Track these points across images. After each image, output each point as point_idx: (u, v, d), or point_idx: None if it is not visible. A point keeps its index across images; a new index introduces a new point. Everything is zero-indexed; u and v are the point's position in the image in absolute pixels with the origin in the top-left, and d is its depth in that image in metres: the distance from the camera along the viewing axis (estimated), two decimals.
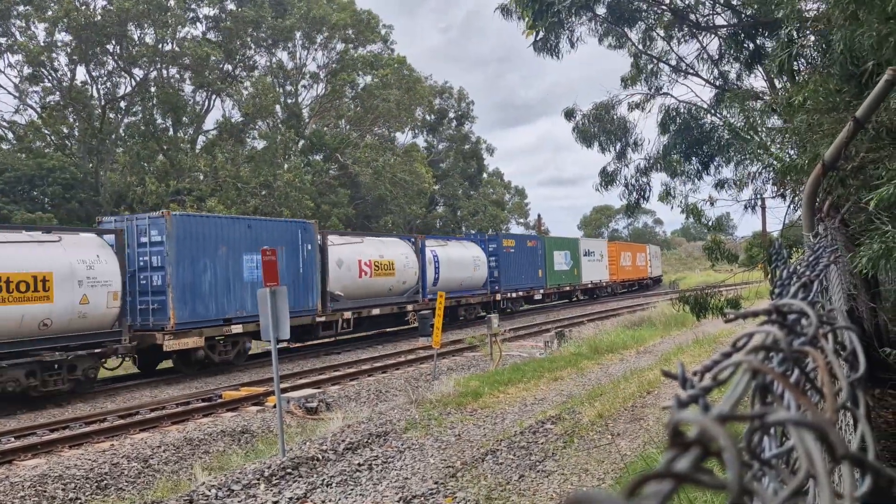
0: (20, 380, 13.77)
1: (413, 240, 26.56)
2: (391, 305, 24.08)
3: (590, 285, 41.93)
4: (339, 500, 8.17)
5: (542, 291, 35.67)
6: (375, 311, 23.55)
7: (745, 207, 12.59)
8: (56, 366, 14.42)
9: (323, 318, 21.29)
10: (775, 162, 8.11)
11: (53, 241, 14.83)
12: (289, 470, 9.13)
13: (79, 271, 14.87)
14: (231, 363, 18.69)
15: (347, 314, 22.38)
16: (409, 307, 25.09)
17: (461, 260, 28.84)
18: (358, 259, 22.79)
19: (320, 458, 9.65)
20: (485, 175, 64.10)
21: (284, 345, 21.25)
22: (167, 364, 18.51)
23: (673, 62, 12.99)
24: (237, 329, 18.31)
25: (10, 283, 13.54)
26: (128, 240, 16.87)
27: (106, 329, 15.58)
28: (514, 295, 33.09)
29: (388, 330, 25.44)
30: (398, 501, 7.91)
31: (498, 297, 31.43)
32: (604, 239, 52.35)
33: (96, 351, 15.31)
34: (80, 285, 14.83)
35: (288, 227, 20.87)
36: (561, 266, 37.73)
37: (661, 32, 12.66)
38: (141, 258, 17.01)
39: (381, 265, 23.67)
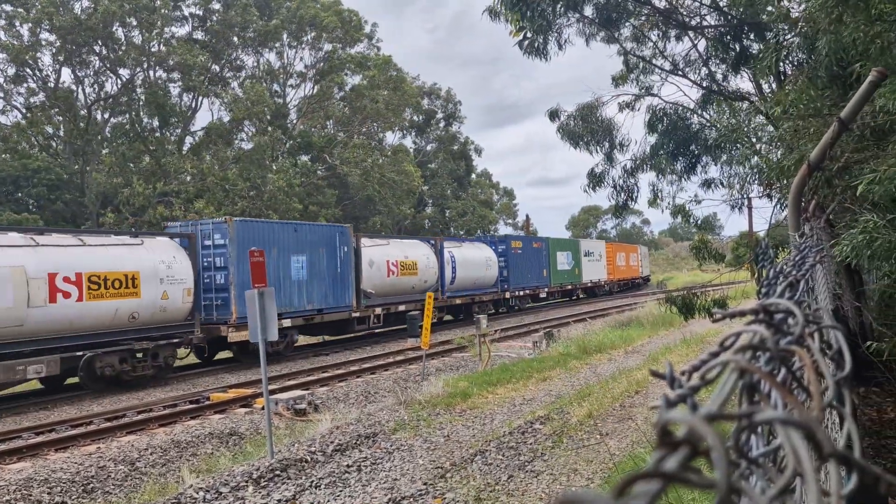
0: (115, 365, 15.83)
1: (433, 242, 28.41)
2: (415, 302, 25.53)
3: (589, 284, 43.63)
4: (328, 501, 8.15)
5: (546, 290, 37.55)
6: (402, 307, 25.39)
7: (732, 207, 12.66)
8: (142, 354, 16.45)
9: (357, 314, 23.37)
10: (763, 164, 8.17)
11: (138, 245, 16.80)
12: (277, 472, 9.10)
13: (160, 270, 16.78)
14: (280, 353, 20.44)
15: (378, 310, 24.29)
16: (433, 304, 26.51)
17: (475, 260, 30.66)
18: (386, 260, 24.82)
19: (309, 459, 9.63)
20: (473, 176, 64.13)
21: (323, 338, 24.16)
22: (226, 354, 20.42)
23: (660, 63, 13.05)
24: (287, 323, 19.94)
25: (106, 281, 15.53)
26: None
27: (181, 322, 17.52)
28: (521, 293, 34.91)
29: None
30: (387, 502, 7.90)
31: (507, 294, 33.29)
32: (602, 240, 54.37)
33: (174, 341, 17.35)
34: (161, 283, 16.76)
35: (327, 230, 22.95)
36: (563, 266, 39.55)
37: (649, 33, 12.72)
38: (205, 259, 18.79)
39: (406, 265, 25.74)
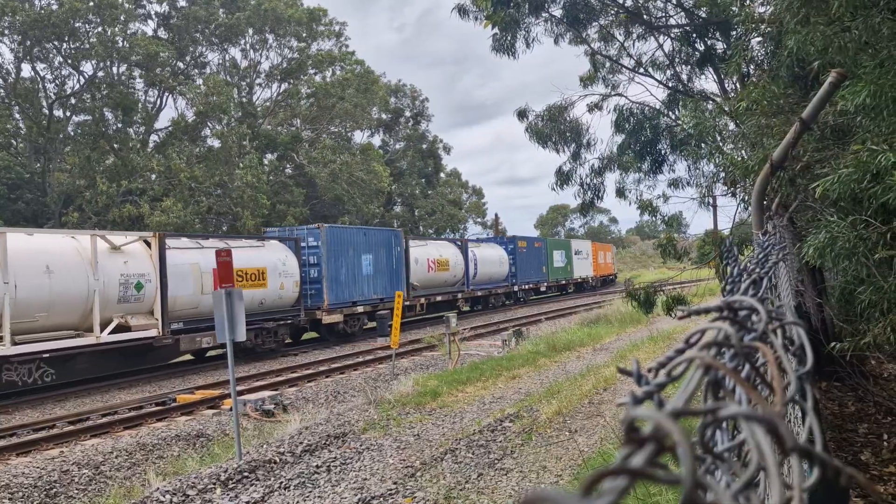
0: (251, 339, 19.84)
1: (459, 243, 33.93)
2: (447, 294, 31.35)
3: (579, 280, 48.57)
4: (298, 502, 8.10)
5: (545, 284, 42.42)
6: (438, 298, 30.52)
7: (700, 205, 12.85)
8: (267, 332, 20.76)
9: (408, 302, 27.45)
10: (727, 163, 8.29)
11: (261, 247, 21.43)
12: (246, 474, 9.02)
13: (278, 267, 21.23)
14: (354, 335, 24.62)
15: (422, 300, 29.25)
16: (459, 295, 32.38)
17: (491, 258, 35.54)
18: (427, 258, 29.66)
19: (278, 460, 9.55)
20: (442, 175, 64.09)
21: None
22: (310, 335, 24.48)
23: (627, 62, 13.18)
24: (360, 309, 24.88)
25: (246, 274, 19.81)
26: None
27: (291, 307, 22.02)
28: (526, 287, 39.64)
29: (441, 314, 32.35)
30: (357, 502, 7.87)
31: (516, 288, 38.02)
32: (588, 240, 58.43)
33: (287, 322, 21.80)
34: (279, 276, 21.18)
35: (386, 234, 27.77)
36: (559, 263, 44.30)
37: (616, 32, 12.84)
38: (302, 257, 22.93)
39: (441, 263, 30.72)
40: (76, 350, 15.59)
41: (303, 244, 23.14)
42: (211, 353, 20.14)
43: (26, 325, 14.60)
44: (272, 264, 20.91)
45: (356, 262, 24.82)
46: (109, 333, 16.08)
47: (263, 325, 20.56)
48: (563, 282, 45.46)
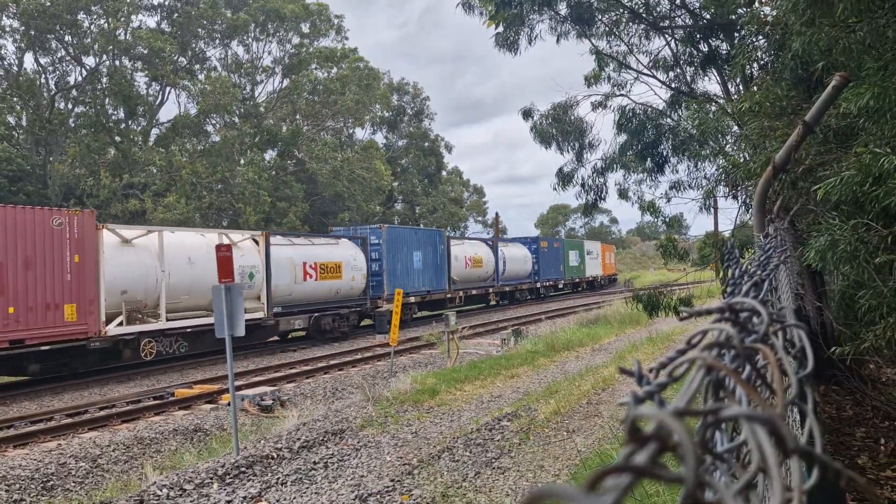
0: (330, 323, 23.61)
1: (490, 242, 37.31)
2: (481, 288, 35.01)
3: (590, 278, 51.57)
4: (294, 498, 8.10)
5: (562, 282, 45.67)
6: (474, 292, 34.24)
7: (700, 208, 12.84)
8: (342, 318, 24.30)
9: (450, 294, 31.55)
10: (729, 165, 8.29)
11: (336, 244, 24.87)
12: (243, 469, 9.02)
13: (350, 261, 24.67)
14: (406, 322, 26.81)
15: (461, 292, 32.75)
16: (490, 290, 36.04)
17: (517, 257, 38.83)
18: (464, 255, 33.05)
19: (275, 456, 9.56)
20: (444, 173, 64.08)
21: (417, 313, 30.37)
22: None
23: (631, 62, 13.17)
24: (412, 299, 28.19)
25: (325, 268, 23.32)
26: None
27: (359, 297, 25.51)
28: (547, 284, 43.01)
29: (474, 306, 36.54)
30: (354, 499, 7.87)
31: (538, 285, 41.38)
32: (598, 241, 62.33)
33: (356, 310, 25.33)
34: (351, 269, 24.62)
35: (433, 233, 31.62)
36: (573, 262, 47.49)
37: (620, 32, 12.83)
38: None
39: (475, 260, 34.04)
40: (205, 327, 18.12)
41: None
42: (293, 334, 23.61)
43: (173, 305, 18.10)
44: (346, 259, 24.47)
45: (409, 257, 28.36)
46: None
47: (339, 312, 24.19)
48: (577, 280, 48.50)
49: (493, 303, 36.98)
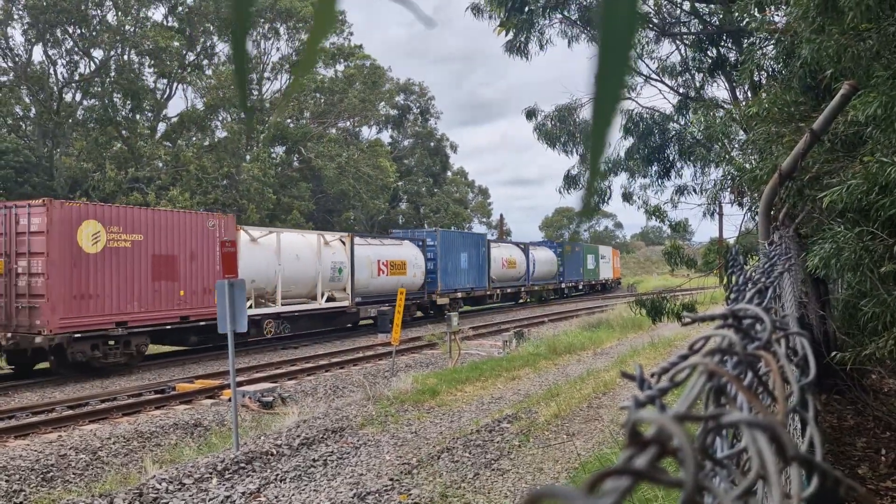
0: (393, 314, 24.87)
1: (522, 246, 40.43)
2: (514, 287, 38.61)
3: (604, 281, 54.72)
4: (293, 495, 8.11)
5: (582, 283, 49.15)
6: (509, 290, 37.95)
7: (704, 214, 12.83)
8: (406, 309, 25.43)
9: (488, 292, 35.00)
10: (735, 171, 8.27)
11: (401, 245, 28.50)
12: (242, 464, 9.03)
13: (412, 260, 28.18)
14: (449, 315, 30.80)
15: (498, 290, 36.24)
16: (522, 289, 39.56)
17: (545, 259, 42.45)
18: (500, 257, 36.35)
19: (275, 452, 9.57)
20: (449, 173, 64.08)
21: (465, 308, 33.60)
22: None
23: (641, 68, 13.15)
24: (459, 295, 32.07)
25: (393, 265, 26.95)
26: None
27: (418, 291, 28.63)
28: (570, 285, 46.79)
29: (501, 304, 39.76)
30: (352, 498, 7.88)
31: (563, 285, 45.15)
32: (609, 246, 65.18)
33: (416, 302, 28.68)
34: (412, 267, 28.09)
35: (476, 237, 35.37)
36: (590, 266, 50.85)
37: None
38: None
39: (510, 262, 37.50)
40: (306, 312, 22.44)
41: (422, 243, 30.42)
42: (363, 322, 26.36)
43: (285, 293, 21.65)
44: (409, 258, 28.05)
45: (458, 258, 31.89)
46: (325, 302, 23.42)
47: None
48: (594, 282, 51.82)
49: (523, 301, 40.78)
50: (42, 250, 15.38)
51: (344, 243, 24.52)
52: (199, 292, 18.64)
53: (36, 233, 15.51)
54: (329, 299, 23.67)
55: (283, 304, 21.48)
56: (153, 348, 19.07)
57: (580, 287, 48.93)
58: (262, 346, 21.47)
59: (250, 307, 19.72)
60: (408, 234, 31.17)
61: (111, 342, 16.64)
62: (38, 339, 15.14)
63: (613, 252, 60.42)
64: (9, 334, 15.21)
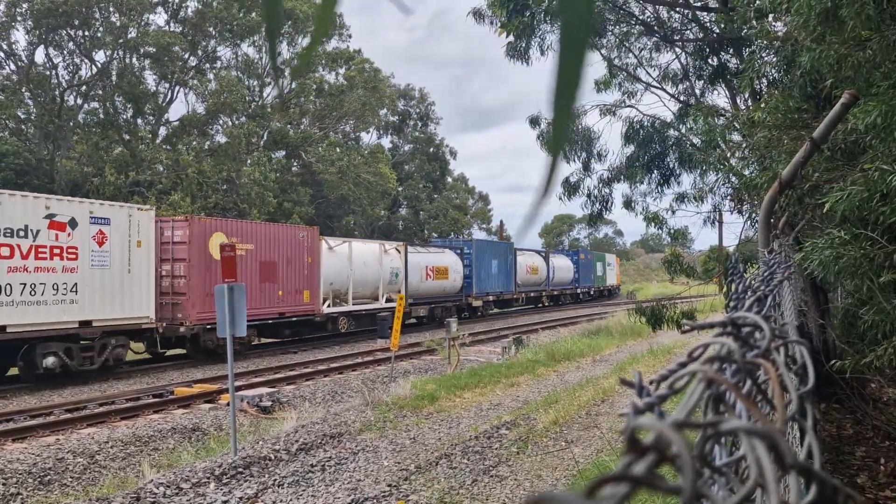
0: (438, 314, 29.90)
1: (543, 253, 44.80)
2: (536, 291, 42.34)
3: (610, 287, 58.03)
4: (291, 500, 8.09)
5: (593, 289, 52.92)
6: (532, 294, 41.61)
7: (704, 222, 12.83)
8: (446, 309, 30.58)
9: (515, 296, 38.27)
10: (735, 178, 8.28)
11: (443, 253, 31.88)
12: (240, 469, 9.02)
13: (453, 266, 31.56)
14: (484, 315, 34.96)
15: (522, 294, 39.67)
16: (543, 293, 43.51)
17: (562, 266, 46.61)
18: (525, 264, 40.03)
19: (273, 457, 9.55)
20: (449, 179, 64.05)
21: (487, 310, 36.18)
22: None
23: (641, 75, 13.19)
24: (490, 298, 35.35)
25: (438, 271, 30.20)
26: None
27: (456, 294, 32.05)
28: (584, 290, 50.65)
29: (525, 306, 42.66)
30: (350, 503, 7.86)
31: (578, 290, 49.29)
32: (614, 254, 69.09)
33: (455, 303, 31.97)
34: (453, 272, 31.40)
35: (504, 246, 38.71)
36: (599, 272, 54.52)
37: (631, 45, 12.85)
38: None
39: (533, 268, 41.25)
40: (371, 311, 25.12)
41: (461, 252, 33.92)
42: (409, 322, 28.24)
43: (354, 294, 24.89)
44: (451, 264, 31.42)
45: (489, 265, 35.00)
46: (385, 302, 26.12)
47: (444, 304, 31.04)
48: (602, 288, 55.41)
49: (544, 304, 44.36)
50: (184, 257, 18.54)
51: (399, 251, 27.92)
52: (292, 292, 21.91)
53: (179, 243, 18.61)
54: (388, 300, 26.67)
55: (353, 304, 24.98)
56: (152, 352, 19.09)
57: (591, 293, 52.56)
58: (259, 351, 21.46)
59: (328, 306, 23.59)
60: (447, 243, 35.06)
61: None
62: (181, 329, 18.23)
63: (616, 260, 63.89)
64: (164, 324, 18.07)
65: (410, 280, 28.06)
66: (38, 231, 15.05)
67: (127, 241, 17.00)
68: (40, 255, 15.07)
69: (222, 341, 17.59)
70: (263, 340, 22.75)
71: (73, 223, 15.75)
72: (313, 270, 22.87)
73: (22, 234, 14.76)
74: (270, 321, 21.11)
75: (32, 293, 14.83)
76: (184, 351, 19.66)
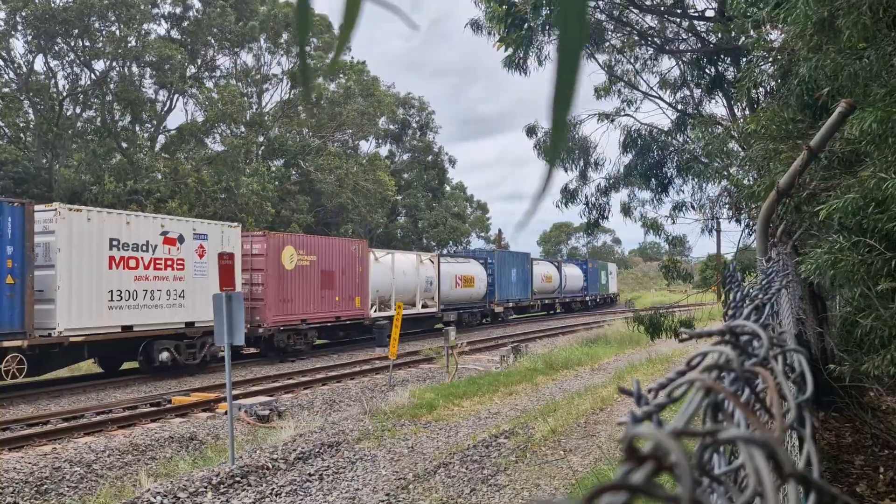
0: (466, 319, 32.86)
1: (556, 263, 48.08)
2: (550, 298, 45.26)
3: (612, 294, 60.98)
4: None
5: (598, 296, 56.12)
6: (546, 301, 44.50)
7: (702, 230, 12.84)
8: (472, 314, 33.74)
9: (531, 302, 41.49)
10: (733, 187, 8.30)
11: (469, 262, 34.52)
12: (238, 478, 8.98)
13: (478, 275, 34.27)
14: (504, 320, 37.56)
15: (538, 301, 42.85)
16: (556, 300, 46.43)
17: (573, 274, 49.99)
18: (540, 273, 42.95)
19: (270, 466, 9.52)
20: (448, 188, 64.08)
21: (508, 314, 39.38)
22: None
23: (640, 84, 13.22)
24: (509, 305, 37.99)
25: (465, 279, 32.77)
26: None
27: (480, 301, 34.69)
28: (592, 297, 53.84)
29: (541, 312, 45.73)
30: None
31: (587, 298, 52.51)
32: (614, 263, 71.96)
33: (480, 310, 34.71)
34: (478, 281, 34.08)
35: (522, 256, 40.89)
36: (603, 281, 57.45)
37: (629, 54, 12.89)
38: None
39: (547, 277, 44.43)
40: (410, 315, 27.01)
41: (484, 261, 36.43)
42: (437, 326, 30.10)
43: (396, 301, 25.47)
44: (476, 273, 34.07)
45: (509, 274, 37.56)
46: (421, 308, 29.24)
47: (471, 311, 33.74)
48: (605, 295, 58.29)
49: (556, 310, 47.11)
50: (262, 267, 21.19)
51: (433, 262, 30.71)
52: (346, 298, 24.61)
53: (257, 255, 21.26)
54: (423, 306, 29.74)
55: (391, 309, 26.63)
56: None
57: (597, 300, 55.69)
58: (259, 360, 21.41)
59: (374, 311, 26.31)
60: (471, 254, 38.44)
61: (297, 334, 22.37)
62: (260, 330, 20.68)
63: (615, 268, 66.38)
64: (248, 326, 18.69)
65: (442, 288, 30.67)
66: (155, 246, 17.75)
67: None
68: (157, 266, 17.78)
69: (290, 342, 21.83)
70: (318, 342, 24.59)
71: (181, 238, 18.46)
72: (363, 279, 25.60)
73: (144, 248, 17.46)
74: (329, 324, 23.83)
75: (152, 298, 17.57)
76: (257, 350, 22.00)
